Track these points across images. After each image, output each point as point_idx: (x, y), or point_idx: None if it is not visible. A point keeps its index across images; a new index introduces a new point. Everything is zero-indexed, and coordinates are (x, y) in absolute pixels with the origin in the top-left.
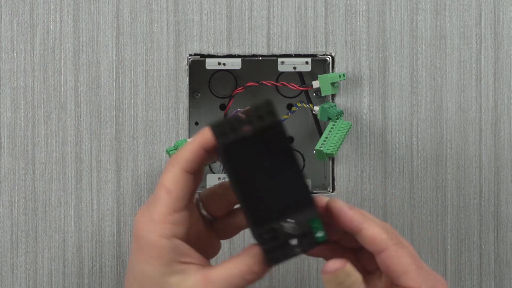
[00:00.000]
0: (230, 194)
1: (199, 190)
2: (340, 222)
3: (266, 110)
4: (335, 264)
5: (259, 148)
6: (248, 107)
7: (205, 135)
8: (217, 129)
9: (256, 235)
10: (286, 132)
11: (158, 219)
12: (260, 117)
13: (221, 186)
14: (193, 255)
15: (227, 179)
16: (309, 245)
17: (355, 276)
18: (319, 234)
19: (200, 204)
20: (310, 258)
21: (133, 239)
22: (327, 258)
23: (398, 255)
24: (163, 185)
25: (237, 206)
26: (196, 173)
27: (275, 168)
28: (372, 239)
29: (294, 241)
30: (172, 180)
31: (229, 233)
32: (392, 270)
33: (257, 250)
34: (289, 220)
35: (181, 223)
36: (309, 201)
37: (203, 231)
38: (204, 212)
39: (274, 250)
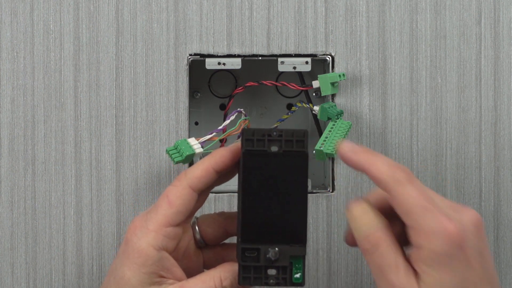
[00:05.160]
0: (228, 223)
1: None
2: (350, 165)
3: (298, 138)
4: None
5: (277, 170)
6: (285, 129)
7: (218, 157)
8: (247, 134)
9: (240, 248)
10: (307, 167)
11: (153, 228)
12: (291, 142)
13: (221, 214)
14: (175, 272)
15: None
16: (284, 282)
17: (370, 217)
18: (297, 275)
19: (197, 228)
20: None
21: (123, 242)
22: None
23: (400, 196)
24: (167, 197)
25: (231, 240)
26: (202, 193)
27: (284, 195)
28: (375, 180)
29: (272, 272)
30: (177, 194)
31: (216, 264)
32: (397, 210)
33: (233, 267)
34: (276, 248)
35: (174, 238)
36: (302, 240)
37: (192, 253)
38: (197, 236)
39: (249, 270)
